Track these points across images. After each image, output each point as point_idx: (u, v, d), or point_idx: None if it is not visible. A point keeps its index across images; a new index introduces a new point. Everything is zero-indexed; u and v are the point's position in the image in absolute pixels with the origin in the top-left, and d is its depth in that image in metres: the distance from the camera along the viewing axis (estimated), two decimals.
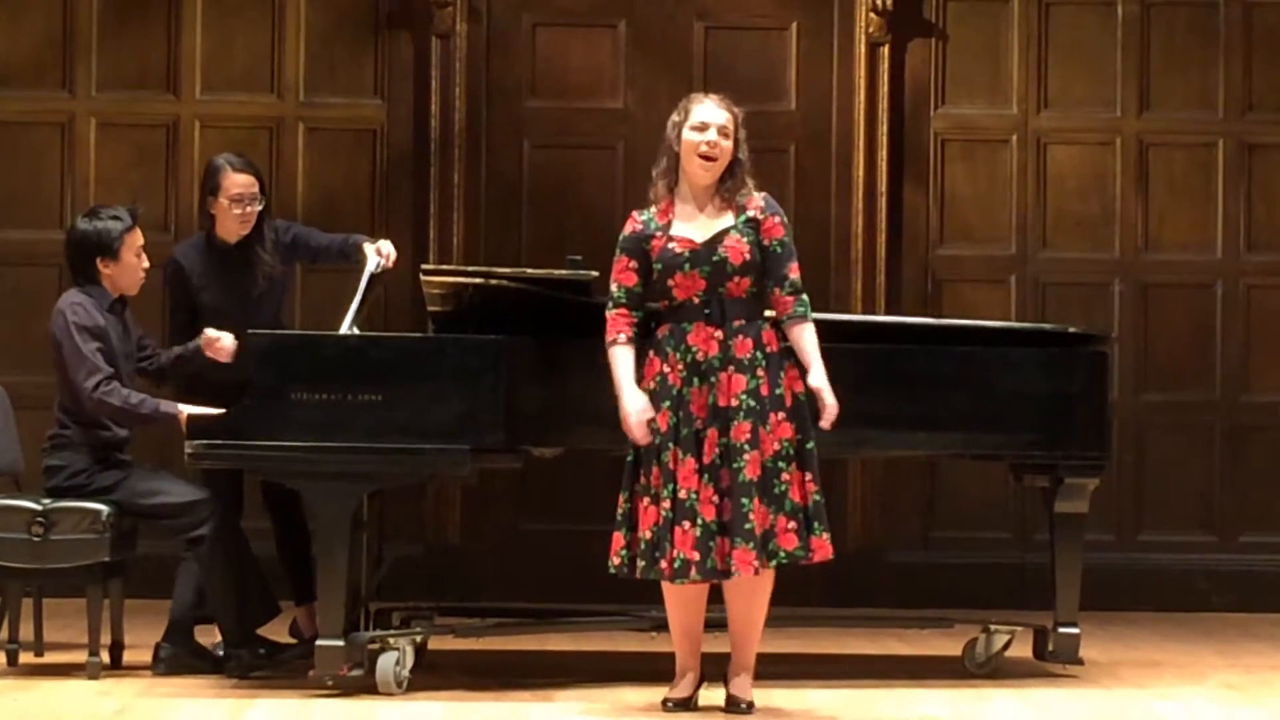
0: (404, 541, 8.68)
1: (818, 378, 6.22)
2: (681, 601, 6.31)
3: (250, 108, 9.53)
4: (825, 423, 6.22)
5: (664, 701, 6.38)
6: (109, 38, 9.48)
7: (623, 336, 6.28)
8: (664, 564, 6.17)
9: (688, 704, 6.38)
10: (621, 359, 6.28)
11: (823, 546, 6.21)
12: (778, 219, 6.32)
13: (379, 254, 7.23)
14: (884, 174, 9.55)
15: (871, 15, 9.50)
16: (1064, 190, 9.68)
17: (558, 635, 7.77)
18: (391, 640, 6.71)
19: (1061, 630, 7.12)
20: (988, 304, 9.55)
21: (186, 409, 6.79)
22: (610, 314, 6.31)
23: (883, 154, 9.54)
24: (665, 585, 6.27)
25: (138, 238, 7.12)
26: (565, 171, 9.60)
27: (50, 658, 7.33)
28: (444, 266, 8.14)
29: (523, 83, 9.63)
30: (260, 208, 7.30)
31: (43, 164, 9.47)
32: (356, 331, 6.88)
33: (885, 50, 9.54)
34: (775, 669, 7.16)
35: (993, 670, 7.25)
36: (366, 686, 6.62)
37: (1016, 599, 8.75)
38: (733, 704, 6.32)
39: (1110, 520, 9.42)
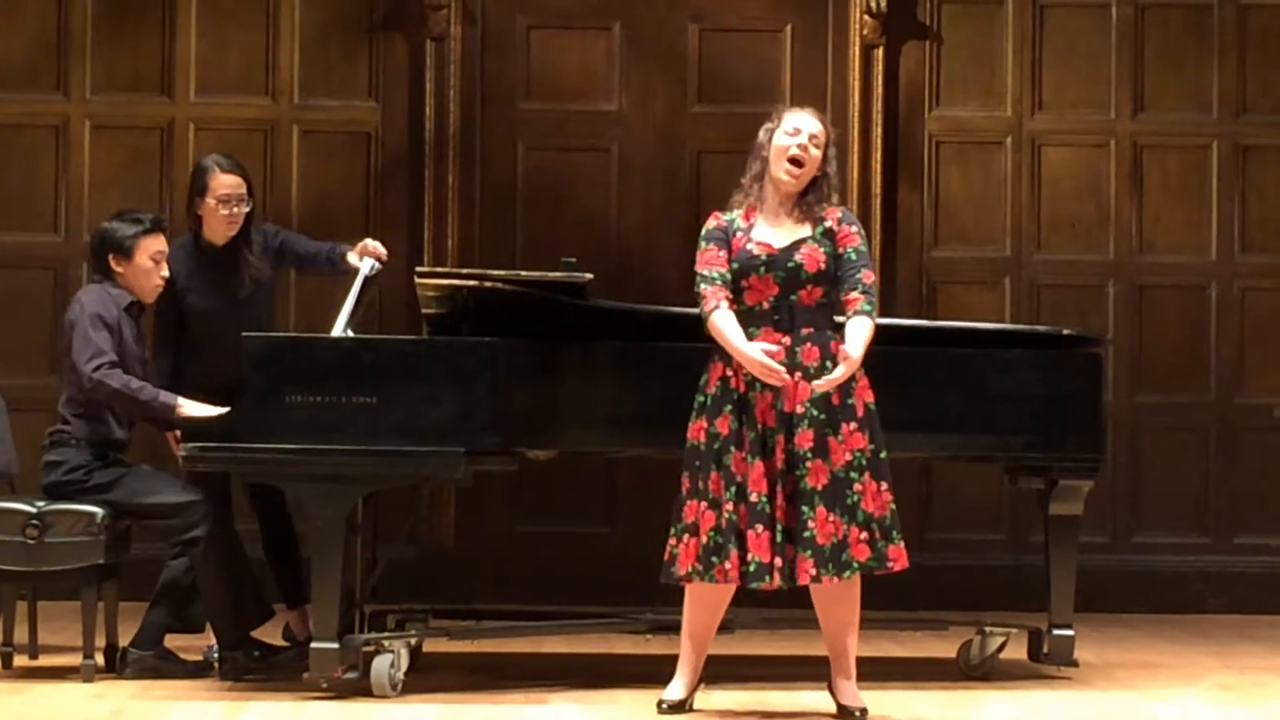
0: (398, 544, 8.62)
1: (851, 349, 6.11)
2: (707, 605, 6.31)
3: (245, 110, 9.51)
4: (823, 379, 6.09)
5: (659, 704, 6.38)
6: (103, 40, 9.46)
7: (724, 304, 6.20)
8: (729, 567, 6.13)
9: (683, 706, 6.37)
10: (725, 321, 6.18)
11: (900, 556, 6.22)
12: (853, 229, 6.32)
13: (370, 253, 7.22)
14: (878, 176, 9.54)
15: (866, 17, 9.49)
16: (1059, 192, 9.68)
17: (552, 637, 7.76)
18: (386, 643, 6.70)
19: (1056, 632, 7.12)
20: (982, 306, 9.54)
21: (186, 404, 6.78)
22: (705, 289, 6.23)
23: (877, 156, 9.53)
24: (692, 587, 6.26)
25: (156, 243, 7.09)
26: (560, 173, 9.59)
27: (45, 660, 7.32)
28: (438, 269, 8.15)
29: (517, 85, 9.62)
30: (248, 209, 7.28)
31: (37, 167, 9.45)
32: (351, 334, 6.87)
33: (879, 53, 9.54)
34: (771, 670, 7.17)
35: (987, 672, 7.26)
36: (361, 689, 6.61)
37: (1011, 601, 8.74)
38: (846, 714, 6.30)
39: (1105, 522, 9.42)
